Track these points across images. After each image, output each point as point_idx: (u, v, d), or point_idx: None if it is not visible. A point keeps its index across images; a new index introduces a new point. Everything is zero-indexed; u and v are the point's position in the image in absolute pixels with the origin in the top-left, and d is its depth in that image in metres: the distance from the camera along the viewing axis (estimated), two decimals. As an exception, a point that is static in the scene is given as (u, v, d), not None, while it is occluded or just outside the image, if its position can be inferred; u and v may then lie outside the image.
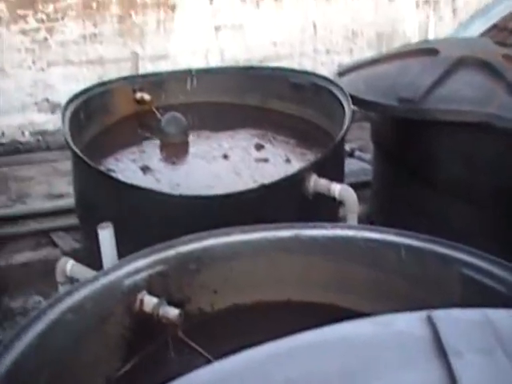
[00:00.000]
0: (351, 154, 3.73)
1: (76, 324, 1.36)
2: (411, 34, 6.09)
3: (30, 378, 1.22)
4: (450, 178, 2.97)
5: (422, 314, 1.06)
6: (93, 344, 1.41)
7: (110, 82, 3.22)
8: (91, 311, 1.40)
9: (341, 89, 2.92)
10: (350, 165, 3.81)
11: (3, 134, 4.88)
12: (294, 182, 2.34)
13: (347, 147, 3.72)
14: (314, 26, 5.81)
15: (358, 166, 3.91)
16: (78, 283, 1.44)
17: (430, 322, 1.04)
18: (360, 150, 3.83)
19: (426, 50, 3.30)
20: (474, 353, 0.97)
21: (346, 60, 5.59)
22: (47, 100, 5.07)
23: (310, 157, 2.76)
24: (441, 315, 1.06)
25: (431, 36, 5.98)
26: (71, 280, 1.82)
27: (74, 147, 2.40)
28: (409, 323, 1.08)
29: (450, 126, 2.87)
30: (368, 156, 3.72)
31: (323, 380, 0.96)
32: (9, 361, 1.17)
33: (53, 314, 1.32)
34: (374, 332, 1.08)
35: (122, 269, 1.51)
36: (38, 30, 4.99)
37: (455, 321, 1.06)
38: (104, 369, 1.45)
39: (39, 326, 1.27)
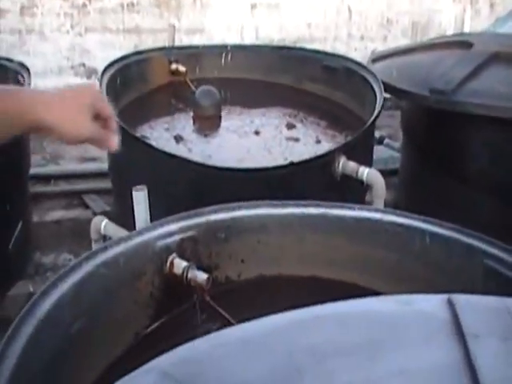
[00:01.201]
0: (380, 142, 3.75)
1: (109, 278, 1.41)
2: (447, 26, 6.06)
3: (64, 324, 1.28)
4: (478, 171, 2.99)
5: (444, 296, 1.08)
6: (124, 299, 1.46)
7: (147, 51, 3.27)
8: (124, 267, 1.46)
9: (373, 75, 2.95)
10: (379, 152, 3.84)
11: (39, 95, 4.95)
12: (322, 162, 2.38)
13: (377, 134, 3.75)
14: (349, 11, 5.81)
15: (387, 153, 3.95)
16: (113, 240, 1.50)
17: (451, 304, 1.06)
18: (389, 137, 3.86)
19: (461, 43, 3.31)
20: (491, 337, 0.99)
21: (380, 47, 5.57)
22: (83, 65, 5.14)
23: (340, 139, 2.80)
24: (461, 299, 1.08)
25: (467, 29, 5.97)
26: (104, 238, 1.88)
27: (111, 112, 2.44)
28: (430, 304, 1.10)
29: (481, 119, 2.88)
30: (397, 144, 3.75)
31: (345, 348, 0.99)
32: (47, 306, 1.23)
33: (88, 267, 1.37)
34: (396, 309, 1.11)
35: (155, 231, 1.56)
36: (77, -5, 5.06)
37: (475, 305, 1.08)
38: (133, 324, 1.50)
39: (75, 277, 1.32)
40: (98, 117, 1.35)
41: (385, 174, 3.53)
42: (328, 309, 1.11)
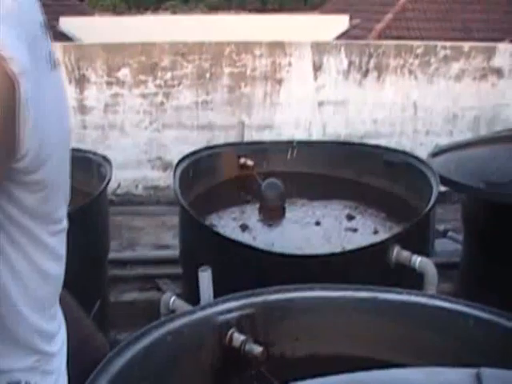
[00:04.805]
0: (444, 235, 3.84)
1: (174, 345, 1.58)
2: (514, 121, 6.11)
3: (134, 383, 1.45)
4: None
5: (473, 370, 1.18)
6: (187, 365, 1.63)
7: (218, 146, 3.52)
8: (188, 337, 1.62)
9: (431, 169, 3.09)
10: (444, 244, 3.92)
11: (119, 185, 5.26)
12: (376, 250, 2.52)
13: (441, 227, 3.85)
14: (415, 107, 5.95)
15: (452, 246, 4.01)
16: (179, 313, 1.68)
17: (478, 377, 1.16)
18: (454, 230, 3.93)
19: (517, 138, 3.46)
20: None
21: (446, 142, 5.68)
22: (160, 158, 5.48)
23: (397, 230, 2.93)
24: (488, 372, 1.19)
25: (535, 123, 6.00)
26: (173, 312, 2.05)
27: (183, 202, 2.68)
28: (457, 376, 1.22)
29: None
30: (460, 237, 3.83)
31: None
32: (119, 364, 1.41)
33: (156, 334, 1.55)
34: (426, 379, 1.23)
35: (217, 307, 1.74)
36: (156, 94, 5.43)
37: (501, 379, 1.20)
38: (195, 390, 1.66)
39: (144, 342, 1.50)
40: None
41: (448, 266, 3.60)
42: (362, 376, 1.25)
